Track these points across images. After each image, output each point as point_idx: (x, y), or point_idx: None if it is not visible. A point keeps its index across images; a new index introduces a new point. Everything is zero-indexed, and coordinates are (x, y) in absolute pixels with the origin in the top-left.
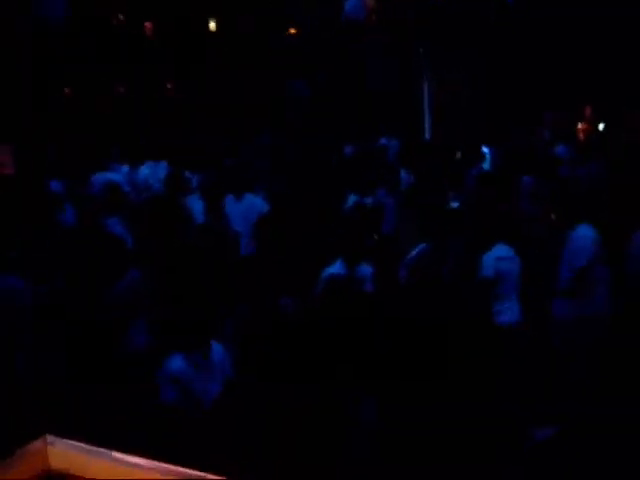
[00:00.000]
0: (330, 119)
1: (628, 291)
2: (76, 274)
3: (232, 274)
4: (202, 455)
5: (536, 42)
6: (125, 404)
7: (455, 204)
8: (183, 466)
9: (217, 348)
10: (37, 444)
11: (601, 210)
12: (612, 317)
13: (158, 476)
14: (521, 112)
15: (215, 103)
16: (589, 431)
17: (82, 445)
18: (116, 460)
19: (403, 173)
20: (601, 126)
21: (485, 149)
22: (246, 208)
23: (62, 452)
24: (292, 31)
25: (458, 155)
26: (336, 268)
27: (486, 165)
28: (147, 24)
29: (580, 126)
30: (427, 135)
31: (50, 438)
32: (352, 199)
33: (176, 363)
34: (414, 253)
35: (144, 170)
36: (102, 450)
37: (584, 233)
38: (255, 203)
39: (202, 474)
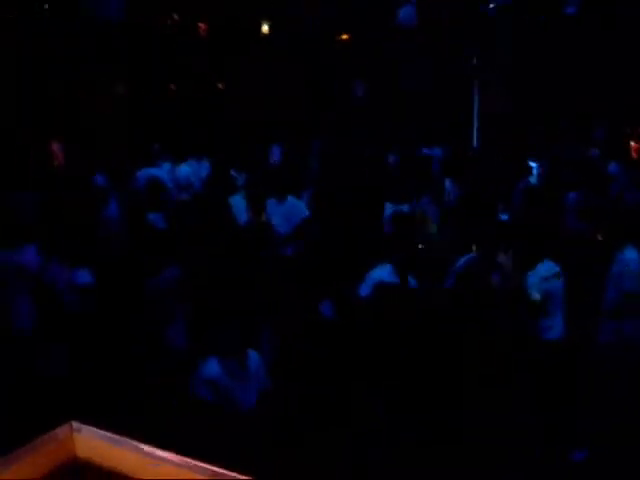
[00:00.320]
0: (377, 125)
1: None
2: (118, 267)
3: (273, 275)
4: (231, 454)
5: (592, 56)
6: (158, 399)
7: (504, 217)
8: (211, 464)
9: (253, 356)
10: (63, 430)
11: None
12: None
13: (184, 471)
14: (571, 127)
15: (263, 104)
16: (626, 453)
17: (108, 434)
18: (141, 452)
19: (447, 182)
20: None
21: (533, 163)
22: (287, 211)
23: (88, 440)
24: (344, 36)
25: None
26: (385, 274)
27: (533, 179)
28: (199, 24)
29: (633, 144)
30: (475, 145)
31: (76, 425)
32: (389, 207)
33: (212, 368)
34: (462, 262)
35: (185, 168)
36: (128, 440)
37: (632, 256)
38: (297, 206)
39: (229, 472)
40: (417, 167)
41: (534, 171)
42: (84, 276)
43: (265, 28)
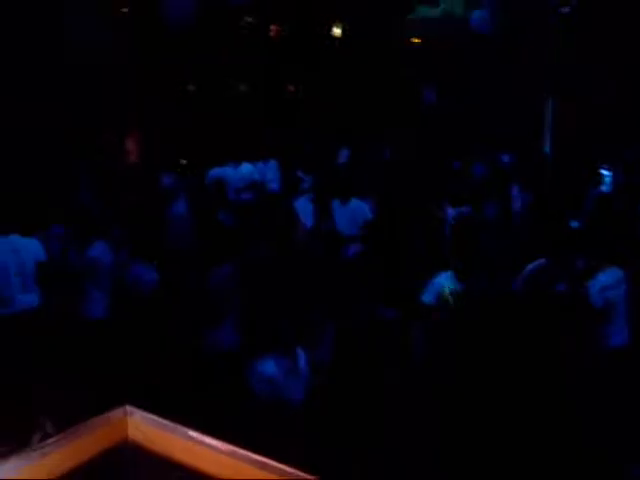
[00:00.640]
0: (447, 130)
1: None
2: (182, 264)
3: (336, 277)
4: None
5: None
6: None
7: (574, 224)
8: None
9: (301, 354)
10: (117, 413)
11: None
12: None
13: (231, 459)
14: None
15: (335, 107)
16: None
17: (160, 419)
18: (191, 438)
19: (515, 189)
20: None
21: (605, 171)
22: (352, 212)
23: (140, 424)
24: (415, 40)
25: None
26: (447, 281)
27: (606, 187)
28: (273, 26)
29: None
30: (547, 151)
31: (130, 409)
32: (451, 212)
33: (269, 367)
34: (531, 267)
35: (247, 166)
36: (179, 427)
37: None
38: (361, 208)
39: (276, 463)
40: (485, 173)
41: (606, 179)
42: (150, 272)
43: (338, 31)
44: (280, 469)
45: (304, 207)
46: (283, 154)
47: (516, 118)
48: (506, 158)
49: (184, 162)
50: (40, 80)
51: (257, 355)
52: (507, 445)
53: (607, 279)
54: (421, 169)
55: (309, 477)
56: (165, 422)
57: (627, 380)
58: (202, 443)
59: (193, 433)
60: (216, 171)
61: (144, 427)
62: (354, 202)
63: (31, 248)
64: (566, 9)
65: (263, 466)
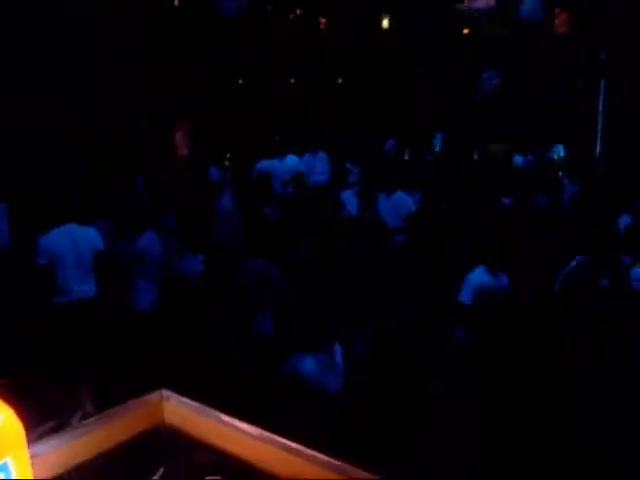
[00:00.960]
0: (498, 123)
1: None
2: (228, 256)
3: (379, 272)
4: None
5: None
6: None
7: (626, 220)
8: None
9: (338, 349)
10: (154, 397)
11: None
12: None
13: (265, 445)
14: None
15: (382, 98)
16: None
17: (196, 404)
18: (227, 423)
19: (567, 182)
20: None
21: None
22: (394, 205)
23: (176, 408)
24: (465, 31)
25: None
26: (484, 278)
27: None
28: (322, 20)
29: None
30: (598, 146)
31: (166, 393)
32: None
33: (308, 365)
34: (573, 264)
35: (292, 158)
36: (214, 411)
37: None
38: (404, 200)
39: (310, 451)
40: (537, 165)
41: None
42: (198, 264)
43: (385, 24)
44: (310, 454)
45: (350, 199)
46: (332, 146)
47: (567, 110)
48: (557, 150)
49: (230, 156)
50: (97, 76)
51: (295, 350)
52: (552, 458)
53: None
54: (471, 163)
55: (340, 463)
56: (201, 406)
57: None
58: (237, 428)
59: (228, 418)
60: (263, 164)
61: (180, 410)
62: (398, 194)
63: (88, 237)
64: None
65: (298, 452)
